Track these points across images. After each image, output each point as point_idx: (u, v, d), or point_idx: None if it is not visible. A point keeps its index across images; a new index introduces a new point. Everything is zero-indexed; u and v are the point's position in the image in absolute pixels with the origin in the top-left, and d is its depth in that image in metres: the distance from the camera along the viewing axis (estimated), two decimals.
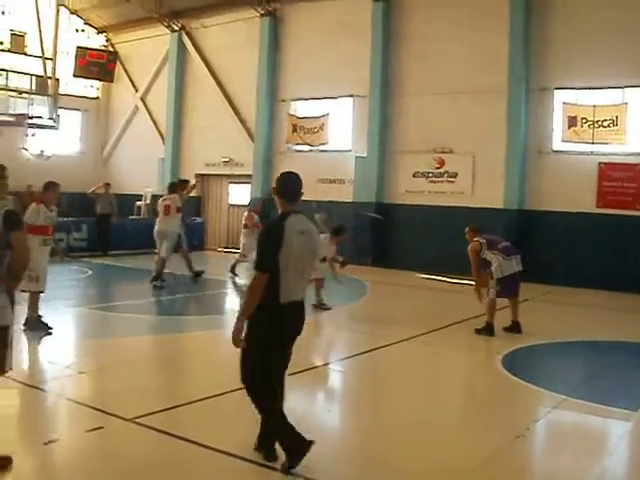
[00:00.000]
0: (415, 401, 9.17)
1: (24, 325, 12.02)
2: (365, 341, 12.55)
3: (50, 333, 12.11)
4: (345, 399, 9.82)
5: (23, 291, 11.39)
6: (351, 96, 25.00)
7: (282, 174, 6.87)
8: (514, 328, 13.30)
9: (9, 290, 6.46)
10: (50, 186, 12.33)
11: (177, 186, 19.20)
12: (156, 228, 18.39)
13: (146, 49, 31.64)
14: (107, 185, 24.70)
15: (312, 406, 9.18)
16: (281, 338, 6.53)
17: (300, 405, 8.81)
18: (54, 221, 12.43)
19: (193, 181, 23.00)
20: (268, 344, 6.44)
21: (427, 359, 11.71)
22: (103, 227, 23.99)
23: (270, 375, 6.55)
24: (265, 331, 6.39)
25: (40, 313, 12.29)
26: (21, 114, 22.39)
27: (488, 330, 13.05)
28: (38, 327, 12.15)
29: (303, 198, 6.66)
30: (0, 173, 7.72)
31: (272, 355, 6.50)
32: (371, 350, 11.72)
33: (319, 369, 10.79)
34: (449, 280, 20.78)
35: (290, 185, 6.68)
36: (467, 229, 14.06)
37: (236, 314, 6.53)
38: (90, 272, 20.25)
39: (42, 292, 12.18)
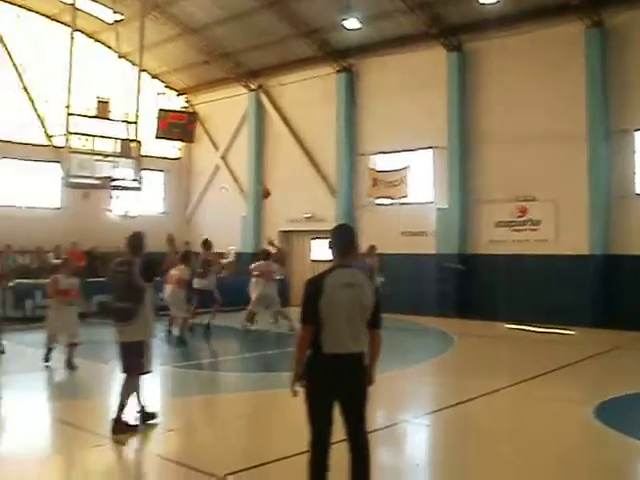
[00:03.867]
0: (505, 456, 8.93)
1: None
2: (452, 394, 12.36)
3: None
4: (433, 454, 9.66)
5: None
6: (430, 148, 25.02)
7: (334, 228, 6.96)
8: None
9: None
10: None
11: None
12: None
13: (225, 109, 32.17)
14: (187, 244, 24.81)
15: (400, 461, 9.06)
16: (322, 388, 6.45)
17: (388, 460, 8.74)
18: None
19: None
20: (311, 393, 6.47)
21: (516, 411, 11.44)
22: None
23: (316, 427, 6.45)
24: (310, 379, 6.46)
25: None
26: (106, 177, 22.87)
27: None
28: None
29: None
30: None
31: (315, 405, 6.47)
32: (459, 403, 11.54)
33: (405, 423, 10.68)
34: (536, 330, 20.45)
35: (339, 239, 6.74)
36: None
37: None
38: (175, 331, 20.41)
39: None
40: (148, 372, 9.99)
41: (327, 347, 6.37)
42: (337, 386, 6.44)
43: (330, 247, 6.76)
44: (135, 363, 9.73)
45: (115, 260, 10.19)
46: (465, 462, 8.73)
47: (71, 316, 14.73)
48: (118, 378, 14.44)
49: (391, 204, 26.06)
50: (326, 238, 6.79)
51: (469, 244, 24.11)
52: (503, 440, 9.67)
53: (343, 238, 6.75)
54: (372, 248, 21.08)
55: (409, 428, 10.52)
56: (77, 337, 14.47)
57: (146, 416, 9.94)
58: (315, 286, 6.45)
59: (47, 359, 14.45)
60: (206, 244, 20.68)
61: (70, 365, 14.08)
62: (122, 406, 9.54)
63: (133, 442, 9.38)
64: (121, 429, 9.39)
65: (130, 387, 9.75)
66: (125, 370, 9.79)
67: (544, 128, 22.05)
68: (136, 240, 10.01)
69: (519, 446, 9.28)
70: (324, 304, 6.34)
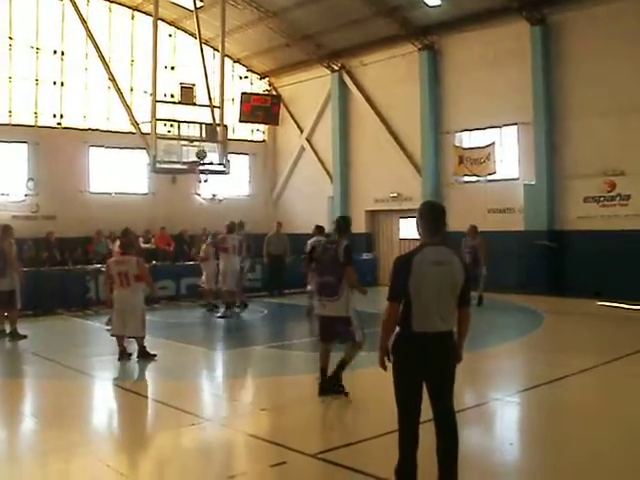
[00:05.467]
0: (600, 434, 8.81)
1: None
2: (544, 372, 12.16)
3: None
4: (524, 433, 9.53)
5: None
6: (515, 124, 24.68)
7: (421, 204, 6.85)
8: None
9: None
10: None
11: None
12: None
13: (308, 90, 32.31)
14: (279, 224, 25.01)
15: (491, 440, 9.02)
16: (410, 366, 6.41)
17: (479, 439, 8.72)
18: None
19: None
20: (400, 371, 6.46)
21: (609, 390, 11.24)
22: (276, 267, 24.21)
23: (405, 405, 6.47)
24: (398, 357, 6.45)
25: None
26: (193, 161, 23.12)
27: None
28: None
29: None
30: None
31: (403, 383, 6.46)
32: (550, 381, 11.38)
33: (496, 402, 10.63)
34: (628, 307, 20.05)
35: (428, 217, 6.59)
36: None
37: None
38: (265, 311, 20.66)
39: None
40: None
41: (416, 325, 6.31)
42: (425, 365, 6.36)
43: (418, 225, 6.65)
44: (346, 334, 10.50)
45: (326, 239, 11.57)
46: (561, 441, 8.62)
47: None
48: (208, 359, 14.89)
49: (477, 181, 25.84)
50: (413, 217, 6.78)
51: (557, 220, 23.69)
52: (595, 419, 9.49)
53: (432, 215, 6.59)
54: (474, 228, 20.87)
55: (500, 406, 10.46)
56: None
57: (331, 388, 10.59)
58: (404, 264, 6.38)
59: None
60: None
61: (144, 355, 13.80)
62: (342, 367, 10.63)
63: (227, 421, 9.58)
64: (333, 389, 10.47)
65: (352, 353, 10.67)
66: (341, 341, 10.71)
67: (633, 100, 21.50)
68: (343, 223, 10.89)
69: (613, 426, 9.11)
70: (413, 282, 6.28)
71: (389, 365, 6.50)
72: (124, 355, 13.65)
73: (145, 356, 13.62)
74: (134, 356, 13.71)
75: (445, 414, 6.49)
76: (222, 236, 20.41)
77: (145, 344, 13.73)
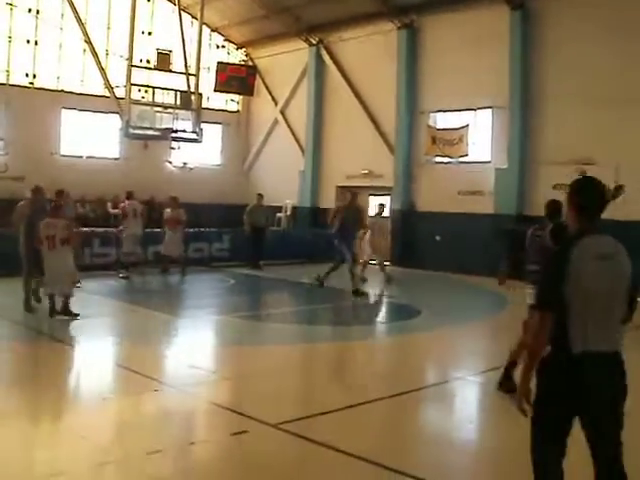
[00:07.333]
0: None
1: None
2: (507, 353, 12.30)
3: None
4: (485, 413, 9.61)
5: None
6: (490, 107, 24.71)
7: (578, 180, 5.49)
8: None
9: None
10: None
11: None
12: None
13: (285, 63, 32.16)
14: (260, 196, 24.74)
15: (450, 420, 9.09)
16: (565, 398, 4.83)
17: (437, 419, 8.81)
18: None
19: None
20: (546, 404, 4.91)
21: None
22: (257, 239, 23.85)
23: (542, 451, 5.00)
24: (548, 388, 4.92)
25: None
26: (166, 128, 23.08)
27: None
28: None
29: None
30: None
31: (551, 421, 4.96)
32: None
33: (457, 382, 10.70)
34: None
35: (590, 195, 5.14)
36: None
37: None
38: (232, 281, 20.65)
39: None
40: None
41: (576, 344, 4.76)
42: (586, 397, 4.81)
43: (571, 205, 5.18)
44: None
45: (534, 226, 10.81)
46: (514, 422, 8.69)
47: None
48: (173, 326, 14.88)
49: (449, 162, 25.89)
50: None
51: (527, 205, 23.72)
52: None
53: (594, 195, 5.15)
54: None
55: (460, 386, 10.54)
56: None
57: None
58: (559, 259, 4.89)
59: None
60: None
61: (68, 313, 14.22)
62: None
63: (191, 389, 9.57)
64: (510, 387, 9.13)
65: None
66: None
67: (610, 89, 21.39)
68: (554, 207, 10.35)
69: None
70: (572, 284, 4.75)
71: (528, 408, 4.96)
72: (53, 312, 14.09)
73: (68, 314, 14.06)
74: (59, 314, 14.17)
75: (609, 465, 4.89)
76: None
77: (69, 302, 14.17)
